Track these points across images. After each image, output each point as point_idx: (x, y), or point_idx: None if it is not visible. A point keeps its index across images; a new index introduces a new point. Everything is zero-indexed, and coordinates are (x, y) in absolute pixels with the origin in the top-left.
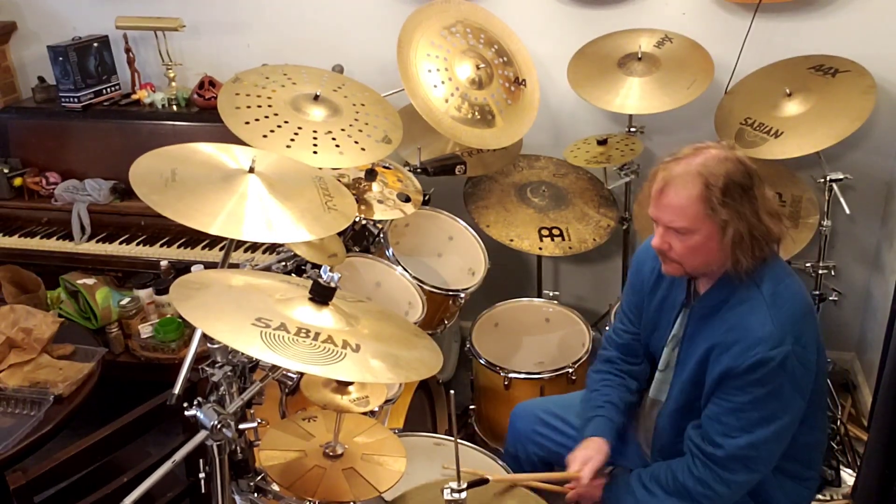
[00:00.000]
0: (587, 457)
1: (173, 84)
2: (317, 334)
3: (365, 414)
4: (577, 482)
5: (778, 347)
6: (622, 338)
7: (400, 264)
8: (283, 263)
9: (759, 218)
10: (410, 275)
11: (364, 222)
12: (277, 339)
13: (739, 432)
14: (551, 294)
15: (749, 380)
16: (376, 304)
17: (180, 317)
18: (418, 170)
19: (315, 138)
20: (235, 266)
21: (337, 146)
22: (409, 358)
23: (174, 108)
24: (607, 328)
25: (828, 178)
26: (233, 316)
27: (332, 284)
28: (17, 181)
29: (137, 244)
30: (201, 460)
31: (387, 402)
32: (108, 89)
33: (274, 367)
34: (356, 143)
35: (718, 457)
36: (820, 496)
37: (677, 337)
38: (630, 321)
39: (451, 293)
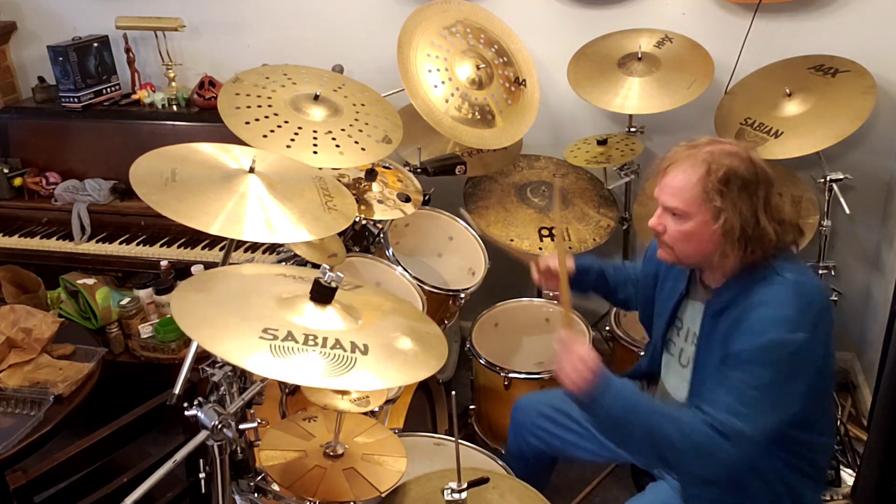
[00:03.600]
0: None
1: (173, 84)
2: (325, 339)
3: (365, 414)
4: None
5: (795, 332)
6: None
7: (400, 264)
8: (283, 264)
9: (757, 218)
10: (410, 275)
11: (364, 222)
12: (287, 350)
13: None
14: (551, 294)
15: (762, 360)
16: (375, 293)
17: None
18: (418, 170)
19: (315, 138)
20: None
21: (337, 146)
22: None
23: (174, 108)
24: (607, 327)
25: (828, 178)
26: (239, 330)
27: (333, 284)
28: (17, 181)
29: (137, 244)
30: (201, 460)
31: (387, 402)
32: (108, 89)
33: None
34: (356, 143)
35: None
36: None
37: (694, 333)
38: (636, 278)
39: (451, 293)
